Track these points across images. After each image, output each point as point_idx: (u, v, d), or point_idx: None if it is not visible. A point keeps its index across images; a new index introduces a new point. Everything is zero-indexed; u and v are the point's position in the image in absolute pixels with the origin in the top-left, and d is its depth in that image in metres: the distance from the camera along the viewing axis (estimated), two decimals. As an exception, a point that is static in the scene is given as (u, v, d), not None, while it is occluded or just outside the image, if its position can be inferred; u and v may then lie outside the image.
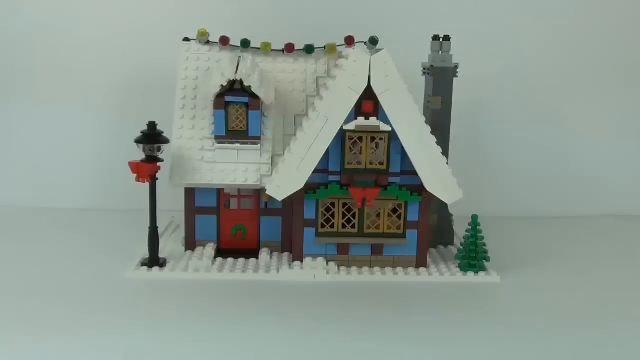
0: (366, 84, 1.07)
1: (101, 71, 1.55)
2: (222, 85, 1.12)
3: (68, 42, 1.54)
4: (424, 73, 1.31)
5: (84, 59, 1.54)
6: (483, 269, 1.16)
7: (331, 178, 1.12)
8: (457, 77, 1.26)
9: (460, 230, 1.27)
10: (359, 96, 1.07)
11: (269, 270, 1.14)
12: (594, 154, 1.66)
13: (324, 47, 1.26)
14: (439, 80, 1.26)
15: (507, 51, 1.58)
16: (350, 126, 1.08)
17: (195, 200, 1.21)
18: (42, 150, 1.57)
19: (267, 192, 1.12)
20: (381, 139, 1.09)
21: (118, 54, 1.53)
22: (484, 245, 1.17)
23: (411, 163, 1.11)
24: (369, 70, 1.07)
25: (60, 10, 1.53)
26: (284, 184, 1.11)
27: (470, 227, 1.16)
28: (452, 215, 1.32)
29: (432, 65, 1.26)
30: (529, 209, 1.59)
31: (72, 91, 1.55)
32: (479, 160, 1.62)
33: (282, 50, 1.25)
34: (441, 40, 1.27)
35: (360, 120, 1.08)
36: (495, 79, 1.60)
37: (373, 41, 1.24)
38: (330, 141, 1.09)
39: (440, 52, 1.27)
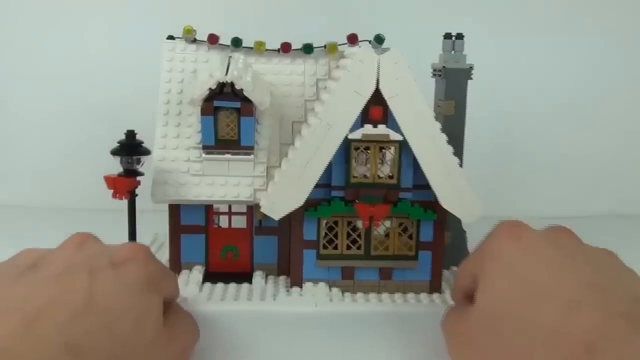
0: (374, 87, 0.95)
1: (92, 71, 1.55)
2: (210, 89, 0.99)
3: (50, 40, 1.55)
4: (434, 75, 1.18)
5: (81, 57, 1.55)
6: (504, 294, 1.03)
7: (334, 193, 1.00)
8: (471, 79, 1.14)
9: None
10: (366, 101, 0.95)
11: (264, 298, 1.01)
12: (594, 154, 1.68)
13: (324, 47, 1.14)
14: (452, 82, 1.13)
15: (504, 50, 1.54)
16: (356, 135, 0.96)
17: (181, 218, 1.08)
18: (43, 150, 1.59)
19: (261, 210, 0.99)
20: (391, 149, 0.97)
21: (98, 54, 1.45)
22: (506, 267, 1.04)
23: (425, 176, 0.98)
24: (378, 72, 0.94)
25: (52, 12, 1.54)
26: (281, 200, 0.98)
27: (490, 248, 1.03)
28: (465, 232, 1.20)
29: (444, 67, 1.13)
30: (528, 209, 1.54)
31: (70, 91, 1.55)
32: (479, 160, 1.55)
33: (278, 50, 1.13)
34: (453, 39, 1.15)
35: (368, 128, 0.96)
36: (494, 79, 1.54)
37: (379, 39, 1.12)
38: (334, 152, 0.96)
39: (453, 51, 1.14)
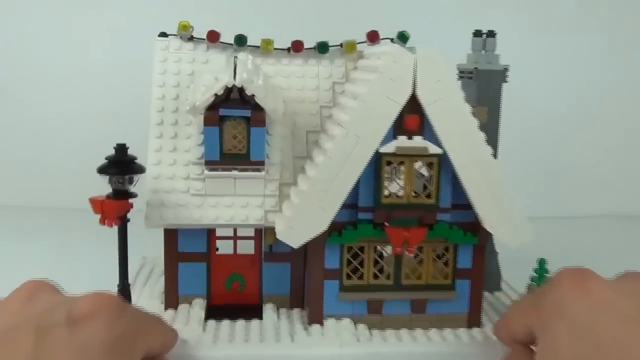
0: (410, 93, 0.81)
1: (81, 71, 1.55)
2: (215, 94, 0.84)
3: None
4: (461, 77, 1.05)
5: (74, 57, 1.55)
6: (553, 327, 0.90)
7: (361, 215, 0.86)
8: (506, 82, 1.02)
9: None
10: (400, 108, 0.81)
11: (279, 338, 0.86)
12: (595, 155, 1.68)
13: (340, 45, 1.00)
14: (485, 86, 1.01)
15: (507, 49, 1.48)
16: (389, 148, 0.82)
17: (179, 244, 0.93)
18: (43, 150, 1.58)
19: (277, 237, 0.84)
20: (429, 164, 0.83)
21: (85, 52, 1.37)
22: (554, 297, 0.91)
23: (464, 194, 0.85)
24: (414, 74, 0.80)
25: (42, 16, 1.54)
26: (301, 225, 0.83)
27: (537, 275, 0.91)
28: (498, 253, 1.07)
29: (476, 68, 1.01)
30: (529, 209, 1.50)
31: (70, 92, 1.54)
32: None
33: (288, 49, 1.00)
34: (484, 36, 1.02)
35: (402, 140, 0.82)
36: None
37: (403, 37, 1.00)
38: (363, 168, 0.82)
39: (484, 51, 1.02)
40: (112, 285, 0.88)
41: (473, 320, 0.91)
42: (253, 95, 0.84)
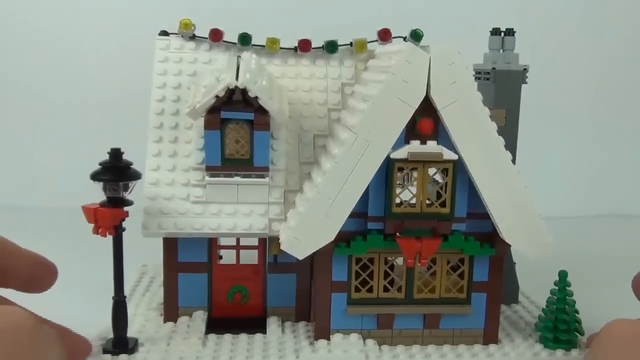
0: (424, 94, 0.76)
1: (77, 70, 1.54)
2: (217, 96, 0.79)
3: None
4: (477, 78, 1.00)
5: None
6: (575, 345, 0.85)
7: (371, 225, 0.81)
8: (526, 83, 0.96)
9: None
10: (413, 111, 0.76)
11: (284, 355, 0.82)
12: (595, 154, 1.69)
13: (350, 44, 0.95)
14: (503, 87, 0.95)
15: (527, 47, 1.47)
16: (401, 153, 0.77)
17: (179, 254, 0.89)
18: (43, 151, 1.58)
19: (282, 247, 0.80)
20: (444, 170, 0.78)
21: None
22: (576, 312, 0.86)
23: (481, 203, 0.80)
24: (429, 75, 0.75)
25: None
26: (307, 235, 0.78)
27: (557, 288, 0.85)
28: (515, 263, 1.02)
29: (493, 68, 0.95)
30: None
31: (68, 93, 1.54)
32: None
33: (294, 49, 0.95)
34: (503, 35, 0.96)
35: (415, 146, 0.77)
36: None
37: (416, 36, 0.95)
38: (372, 175, 0.77)
39: (502, 50, 0.96)
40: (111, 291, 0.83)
41: (490, 336, 0.86)
42: (256, 97, 0.79)
